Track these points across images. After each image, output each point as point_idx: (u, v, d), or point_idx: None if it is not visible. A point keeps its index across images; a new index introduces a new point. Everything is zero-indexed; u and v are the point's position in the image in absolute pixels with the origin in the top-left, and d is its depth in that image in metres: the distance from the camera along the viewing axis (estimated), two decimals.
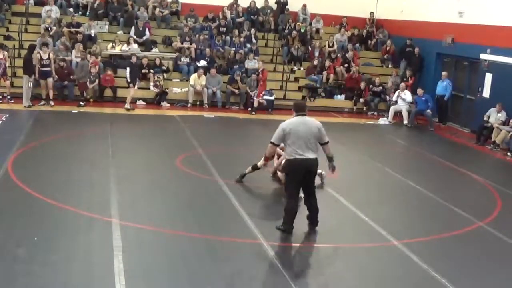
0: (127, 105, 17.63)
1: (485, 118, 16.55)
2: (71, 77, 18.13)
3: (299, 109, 8.39)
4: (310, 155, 8.18)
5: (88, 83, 18.11)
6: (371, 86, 20.50)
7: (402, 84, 19.40)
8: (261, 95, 18.90)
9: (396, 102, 19.22)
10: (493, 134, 16.15)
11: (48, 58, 17.20)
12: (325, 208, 10.08)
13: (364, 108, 20.24)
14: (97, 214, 8.68)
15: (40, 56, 17.04)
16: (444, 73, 19.35)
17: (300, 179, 8.32)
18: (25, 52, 18.11)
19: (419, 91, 18.92)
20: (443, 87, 19.12)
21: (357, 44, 22.90)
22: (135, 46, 20.14)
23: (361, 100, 20.18)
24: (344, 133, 17.27)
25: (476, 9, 18.56)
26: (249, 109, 18.84)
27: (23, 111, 16.38)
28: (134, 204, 9.42)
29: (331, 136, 16.14)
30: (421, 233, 9.19)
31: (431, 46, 20.57)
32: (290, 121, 8.29)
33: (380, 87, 20.41)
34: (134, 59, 18.33)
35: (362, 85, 20.33)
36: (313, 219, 8.65)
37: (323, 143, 8.39)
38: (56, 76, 17.65)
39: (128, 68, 18.00)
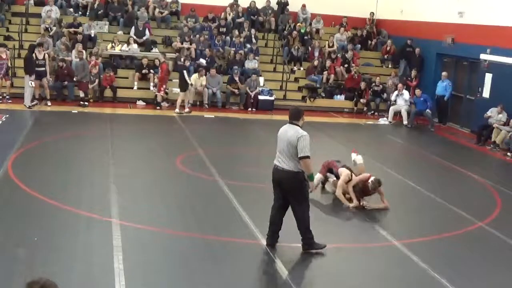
0: (177, 109, 17.79)
1: (486, 116, 16.56)
2: (74, 79, 18.09)
3: (289, 116, 7.88)
4: (280, 165, 7.69)
5: (88, 83, 18.11)
6: (372, 85, 20.49)
7: (400, 85, 19.37)
8: (162, 89, 18.30)
9: (395, 101, 19.22)
10: (493, 134, 16.15)
11: (44, 59, 17.17)
12: (325, 208, 10.11)
13: (365, 108, 20.23)
14: (97, 214, 8.68)
15: (36, 56, 17.01)
16: (444, 73, 19.36)
17: (274, 188, 7.93)
18: (25, 52, 18.13)
19: (417, 91, 18.93)
20: (443, 87, 19.13)
21: (358, 45, 22.92)
22: (135, 46, 20.14)
23: (362, 100, 20.16)
24: (344, 133, 17.30)
25: (476, 9, 18.56)
26: (156, 104, 18.37)
27: (23, 111, 16.38)
28: (134, 204, 9.42)
29: (331, 136, 16.28)
30: (421, 233, 9.19)
31: (431, 46, 20.56)
32: (282, 127, 7.93)
33: (380, 86, 20.39)
34: (187, 63, 18.55)
35: (363, 85, 20.31)
36: (298, 230, 7.92)
37: (298, 157, 7.50)
38: (50, 78, 17.59)
39: (184, 72, 18.09)
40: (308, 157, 7.53)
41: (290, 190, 7.73)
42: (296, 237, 8.54)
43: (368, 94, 20.27)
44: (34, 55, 17.03)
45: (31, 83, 16.69)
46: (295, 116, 7.82)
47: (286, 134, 7.69)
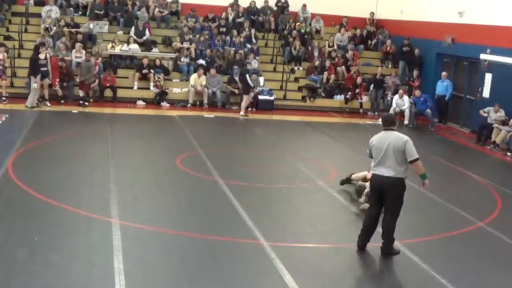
0: (242, 112, 18.14)
1: (483, 114, 16.56)
2: (77, 79, 18.05)
3: (385, 123, 7.97)
4: (385, 173, 7.72)
5: (91, 84, 18.09)
6: (372, 78, 20.50)
7: (401, 91, 19.23)
8: (56, 83, 17.71)
9: (396, 106, 19.07)
10: (493, 134, 16.15)
11: (45, 58, 17.15)
12: (325, 208, 10.12)
13: (361, 110, 20.02)
14: (97, 214, 8.69)
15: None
16: (444, 73, 19.34)
17: (374, 195, 8.04)
18: (25, 52, 18.17)
19: (417, 92, 18.89)
20: (444, 87, 19.10)
21: (360, 45, 22.92)
22: (135, 46, 20.13)
23: (359, 99, 20.04)
24: (344, 133, 17.29)
25: (476, 9, 18.56)
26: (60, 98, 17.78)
27: (23, 111, 16.36)
28: (134, 204, 9.43)
29: (330, 136, 16.28)
30: (421, 233, 9.19)
31: (431, 46, 20.56)
32: (377, 135, 7.98)
33: (381, 77, 20.36)
34: (249, 67, 18.98)
35: (359, 79, 20.19)
36: (382, 236, 8.04)
37: (410, 161, 7.71)
38: (50, 80, 17.54)
39: (247, 76, 18.34)
40: (418, 158, 7.79)
41: (392, 197, 7.81)
42: (297, 237, 8.55)
43: (362, 90, 20.16)
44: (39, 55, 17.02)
45: (34, 85, 16.61)
46: (392, 122, 8.01)
47: (386, 142, 7.76)
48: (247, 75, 18.35)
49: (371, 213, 8.09)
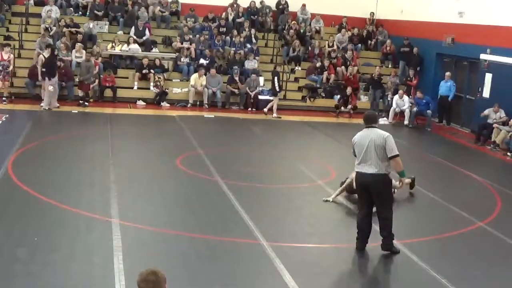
0: (275, 114, 18.33)
1: (482, 115, 16.57)
2: (76, 79, 18.02)
3: (366, 121, 7.96)
4: (368, 170, 7.72)
5: (90, 84, 18.08)
6: (371, 77, 20.48)
7: (400, 92, 19.19)
8: (7, 81, 17.43)
9: (396, 106, 19.03)
10: (493, 134, 16.15)
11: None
12: (325, 208, 10.11)
13: (351, 111, 19.86)
14: (97, 214, 8.69)
15: (44, 57, 16.99)
16: (447, 73, 19.27)
17: (360, 192, 8.06)
18: (25, 52, 18.12)
19: (419, 94, 18.84)
20: (447, 87, 19.03)
21: (359, 45, 22.91)
22: (135, 46, 20.12)
23: (349, 106, 19.63)
24: (343, 133, 17.26)
25: (476, 9, 18.56)
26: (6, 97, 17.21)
27: (23, 111, 16.37)
28: (134, 204, 9.42)
29: (330, 136, 16.28)
30: (421, 233, 9.19)
31: (431, 46, 20.55)
32: (359, 133, 7.97)
33: (378, 78, 20.32)
34: (279, 69, 19.18)
35: (349, 90, 19.86)
36: (381, 233, 8.03)
37: (390, 157, 7.72)
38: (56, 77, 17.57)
39: (276, 78, 18.47)
40: (398, 155, 7.78)
41: (378, 193, 7.83)
42: (297, 237, 8.56)
43: (354, 100, 20.03)
44: (41, 56, 16.96)
45: (51, 87, 16.58)
46: (374, 120, 8.05)
47: (368, 139, 7.77)
48: (276, 78, 18.47)
49: (362, 215, 8.04)
